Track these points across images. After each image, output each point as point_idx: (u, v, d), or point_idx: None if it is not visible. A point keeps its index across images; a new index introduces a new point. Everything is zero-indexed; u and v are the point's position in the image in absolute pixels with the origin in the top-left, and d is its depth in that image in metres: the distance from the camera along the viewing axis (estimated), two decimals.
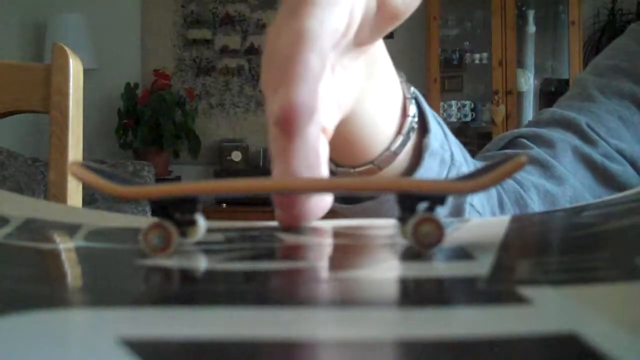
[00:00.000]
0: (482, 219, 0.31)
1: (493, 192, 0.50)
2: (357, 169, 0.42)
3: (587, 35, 3.26)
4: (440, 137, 0.45)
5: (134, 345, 0.12)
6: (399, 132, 0.42)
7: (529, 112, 3.38)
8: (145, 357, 0.12)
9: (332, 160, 0.43)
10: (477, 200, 0.47)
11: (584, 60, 3.13)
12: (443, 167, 0.44)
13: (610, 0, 3.30)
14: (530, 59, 3.45)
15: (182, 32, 3.71)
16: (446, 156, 0.45)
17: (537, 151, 0.55)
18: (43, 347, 0.12)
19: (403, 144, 0.42)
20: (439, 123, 0.46)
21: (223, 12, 3.71)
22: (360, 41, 0.34)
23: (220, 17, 3.71)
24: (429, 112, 0.45)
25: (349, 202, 0.45)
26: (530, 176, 0.53)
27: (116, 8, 3.68)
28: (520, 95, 3.36)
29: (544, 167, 0.54)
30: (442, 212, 0.43)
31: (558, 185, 0.53)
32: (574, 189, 0.53)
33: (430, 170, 0.43)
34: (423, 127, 0.44)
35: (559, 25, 3.41)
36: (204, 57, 3.70)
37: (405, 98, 0.43)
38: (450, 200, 0.43)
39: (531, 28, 3.44)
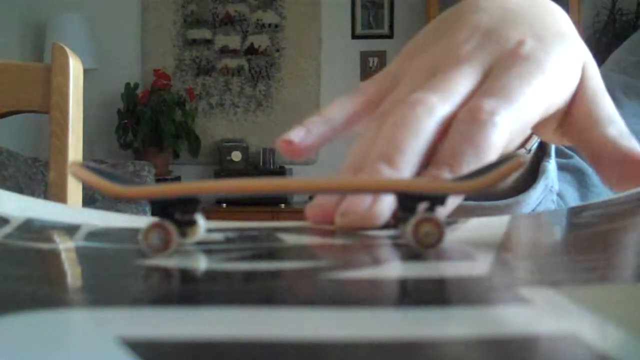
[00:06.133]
0: (482, 219, 0.31)
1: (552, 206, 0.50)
2: None
3: (587, 35, 3.26)
4: (554, 166, 0.46)
5: (134, 345, 0.12)
6: (522, 146, 0.42)
7: None
8: (145, 357, 0.12)
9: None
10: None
11: None
12: (544, 192, 0.45)
13: (610, 1, 3.30)
14: None
15: (182, 32, 3.71)
16: (549, 183, 0.45)
17: (576, 159, 0.55)
18: (43, 347, 0.12)
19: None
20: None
21: (223, 12, 3.71)
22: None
23: (220, 17, 3.71)
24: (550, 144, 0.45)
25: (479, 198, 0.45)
26: (571, 188, 0.53)
27: (116, 8, 3.68)
28: None
29: (582, 176, 0.54)
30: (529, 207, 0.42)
31: (597, 194, 0.53)
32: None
33: (536, 192, 0.44)
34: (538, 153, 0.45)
35: None
36: (204, 57, 3.70)
37: None
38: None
39: None
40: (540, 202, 0.44)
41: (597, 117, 0.33)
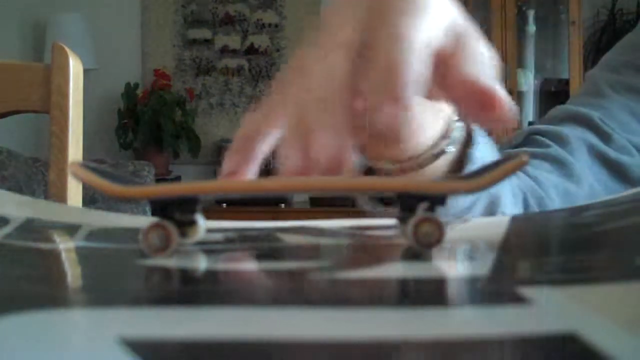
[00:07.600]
0: (482, 219, 0.31)
1: (518, 192, 0.49)
2: (397, 166, 0.41)
3: (587, 35, 3.25)
4: (484, 152, 0.45)
5: (134, 345, 0.12)
6: (444, 137, 0.42)
7: (529, 111, 3.37)
8: (145, 357, 0.12)
9: (372, 156, 0.42)
10: (508, 205, 0.47)
11: (584, 60, 3.13)
12: None
13: (610, 0, 3.30)
14: (530, 59, 3.44)
15: (182, 32, 3.71)
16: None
17: (555, 149, 0.55)
18: (43, 347, 0.12)
19: (444, 148, 0.42)
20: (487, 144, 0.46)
21: (223, 12, 3.71)
22: None
23: (220, 17, 3.71)
24: (478, 130, 0.45)
25: None
26: (549, 175, 0.53)
27: (116, 8, 3.68)
28: (520, 95, 3.36)
29: (562, 166, 0.54)
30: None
31: (576, 183, 0.53)
32: (591, 187, 0.54)
33: None
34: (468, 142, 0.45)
35: (559, 25, 3.41)
36: (204, 57, 3.70)
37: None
38: (480, 209, 0.43)
39: (531, 28, 3.44)
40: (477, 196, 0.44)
41: (464, 58, 0.33)
